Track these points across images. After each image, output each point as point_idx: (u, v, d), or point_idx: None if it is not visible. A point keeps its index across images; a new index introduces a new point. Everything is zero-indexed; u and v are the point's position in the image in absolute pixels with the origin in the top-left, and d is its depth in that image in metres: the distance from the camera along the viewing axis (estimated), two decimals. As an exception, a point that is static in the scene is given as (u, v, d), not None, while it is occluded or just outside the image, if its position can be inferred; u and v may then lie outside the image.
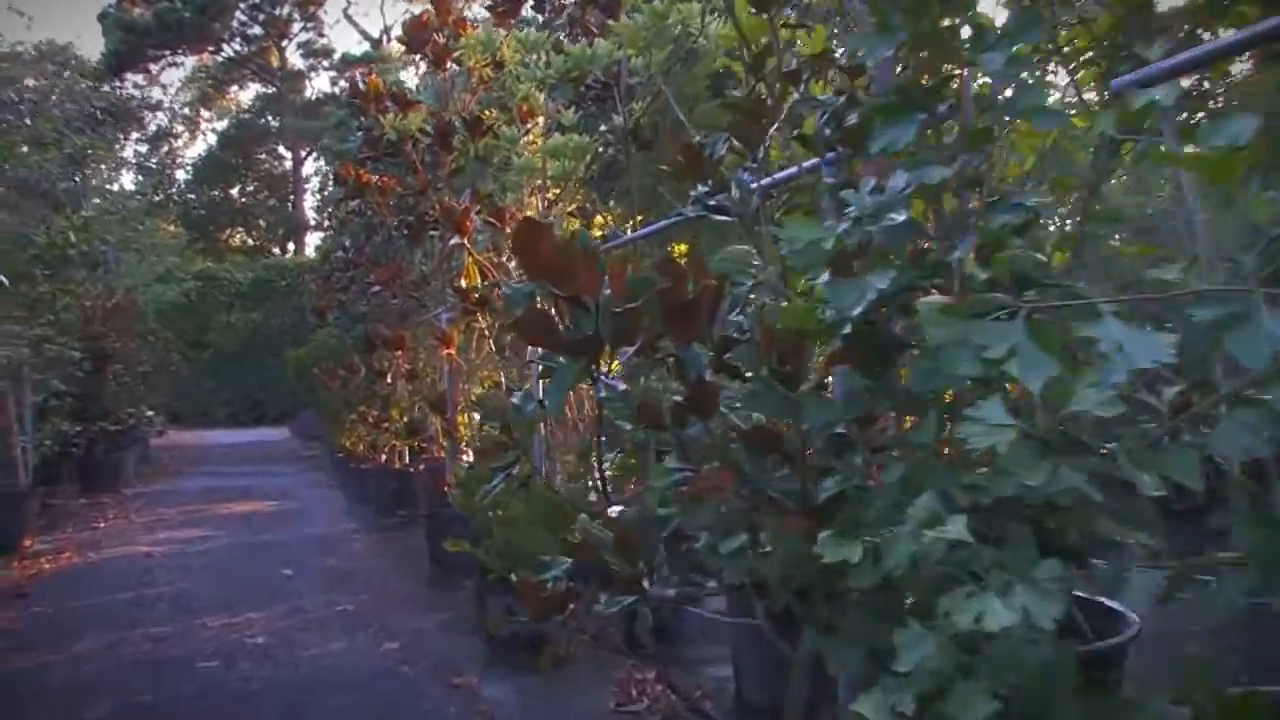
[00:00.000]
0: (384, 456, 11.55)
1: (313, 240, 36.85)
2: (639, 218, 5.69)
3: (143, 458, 16.54)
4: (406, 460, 11.13)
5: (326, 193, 38.00)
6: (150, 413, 15.46)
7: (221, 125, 41.73)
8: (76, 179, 12.45)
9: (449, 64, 7.69)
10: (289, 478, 14.96)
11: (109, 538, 9.56)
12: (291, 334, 22.64)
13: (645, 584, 2.43)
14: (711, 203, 2.95)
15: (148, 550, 8.77)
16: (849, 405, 1.76)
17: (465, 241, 6.25)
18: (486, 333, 6.90)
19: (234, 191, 41.55)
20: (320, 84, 41.78)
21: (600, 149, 5.44)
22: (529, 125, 6.13)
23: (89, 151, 12.79)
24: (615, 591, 2.44)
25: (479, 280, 6.48)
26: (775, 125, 2.72)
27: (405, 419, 9.15)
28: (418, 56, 7.89)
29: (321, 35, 40.12)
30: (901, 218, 1.63)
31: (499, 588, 5.57)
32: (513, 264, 7.13)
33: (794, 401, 1.92)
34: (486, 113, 6.62)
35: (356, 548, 8.90)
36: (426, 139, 6.98)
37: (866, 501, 1.68)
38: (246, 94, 42.19)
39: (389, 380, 9.46)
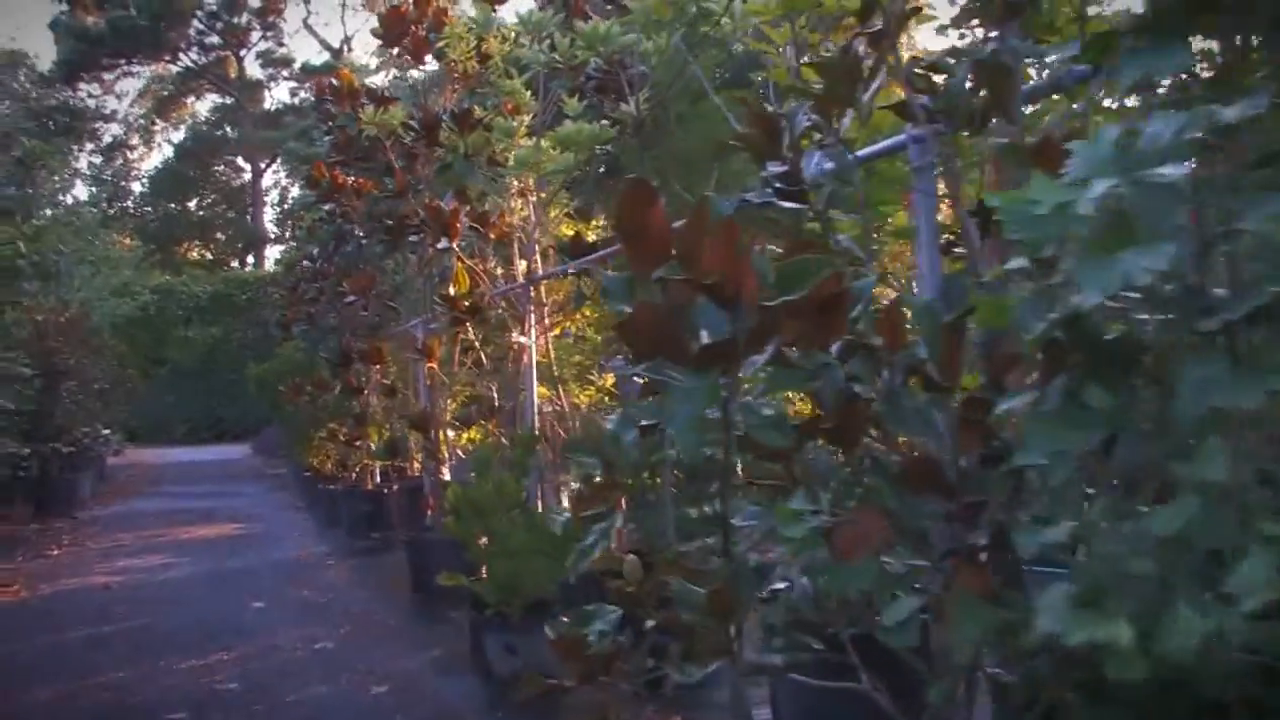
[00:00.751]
0: (354, 475, 11.01)
1: (272, 254, 36.14)
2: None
3: (99, 478, 15.83)
4: (378, 479, 10.59)
5: (287, 205, 37.33)
6: (106, 431, 14.76)
7: (178, 137, 40.87)
8: (29, 188, 11.79)
9: (427, 58, 7.21)
10: (253, 498, 14.33)
11: (63, 567, 8.93)
12: (254, 349, 21.96)
13: (736, 648, 1.95)
14: (784, 186, 2.49)
15: (105, 581, 8.16)
16: (1079, 427, 1.29)
17: (454, 245, 5.75)
18: (476, 343, 6.40)
19: (191, 204, 40.67)
20: (280, 94, 41.02)
21: (608, 140, 4.94)
22: (517, 121, 5.65)
23: (39, 158, 12.13)
24: (699, 656, 1.97)
25: (468, 287, 5.98)
26: (874, 88, 2.26)
27: (383, 437, 8.59)
28: (394, 51, 7.39)
29: (281, 45, 39.40)
30: (1176, 173, 1.17)
31: (496, 623, 5.08)
32: (500, 270, 6.64)
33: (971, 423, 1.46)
34: (475, 108, 6.13)
35: (331, 575, 8.35)
36: (410, 135, 6.48)
37: (1114, 561, 1.22)
38: (203, 105, 41.38)
39: (365, 396, 8.92)
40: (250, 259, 39.59)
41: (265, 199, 40.76)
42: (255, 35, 38.53)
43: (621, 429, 1.84)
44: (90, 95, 36.42)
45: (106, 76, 36.11)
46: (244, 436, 24.71)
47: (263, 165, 40.08)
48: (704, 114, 5.08)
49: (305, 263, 11.98)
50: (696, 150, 5.21)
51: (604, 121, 5.39)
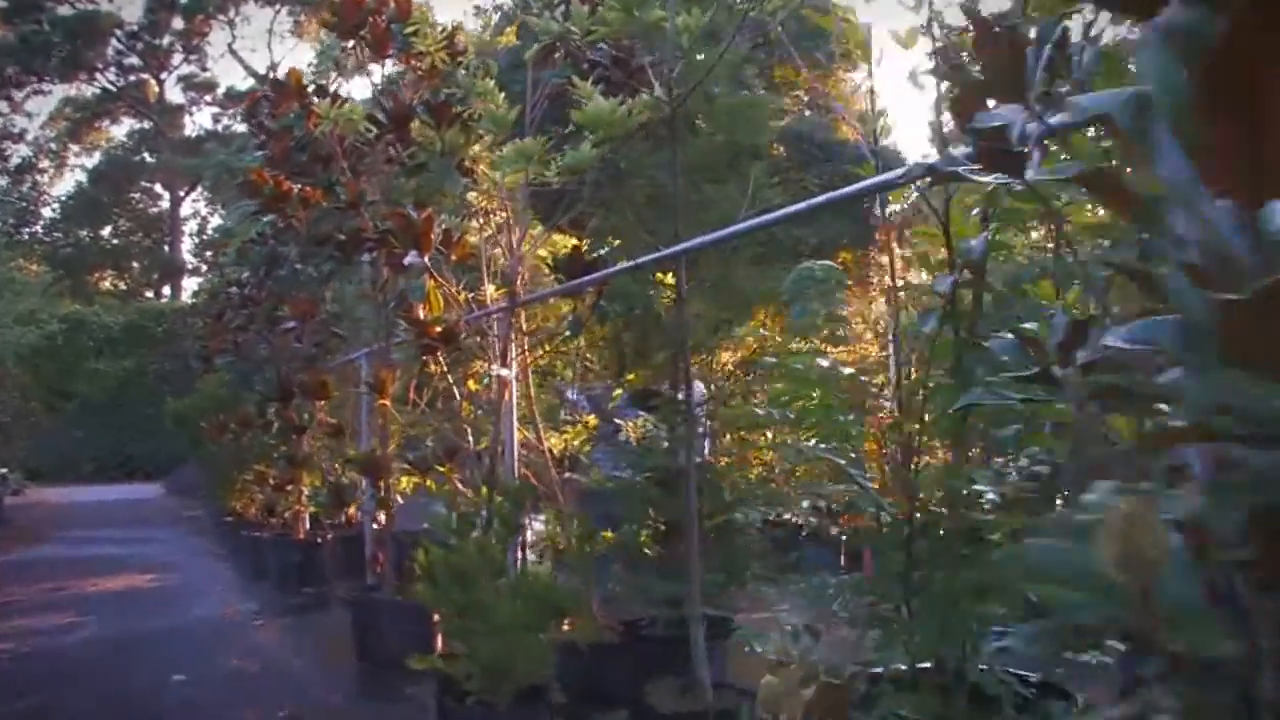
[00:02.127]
0: (282, 522, 9.99)
1: (190, 285, 34.58)
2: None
3: (-5, 520, 14.56)
4: (307, 527, 9.59)
5: (207, 234, 35.87)
6: (2, 470, 13.47)
7: (91, 161, 39.12)
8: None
9: (390, 52, 6.38)
10: (169, 544, 13.12)
11: (-54, 628, 7.79)
12: (170, 382, 20.63)
13: None
14: (993, 145, 1.70)
15: (-5, 647, 7.08)
16: None
17: (426, 260, 4.89)
18: (446, 375, 5.54)
19: (105, 231, 38.95)
20: (202, 119, 39.49)
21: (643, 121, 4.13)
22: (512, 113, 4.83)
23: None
24: None
25: (440, 309, 5.12)
26: None
27: (326, 482, 7.62)
28: (348, 44, 6.53)
29: (204, 69, 38.04)
30: None
31: (479, 713, 4.20)
32: (469, 295, 5.79)
33: None
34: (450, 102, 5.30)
35: (262, 638, 7.34)
36: (373, 132, 5.62)
37: None
38: (120, 129, 39.69)
39: (306, 435, 7.94)
40: (166, 290, 37.95)
41: (184, 228, 39.23)
42: (178, 58, 37.18)
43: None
44: (-2, 114, 34.75)
45: (15, 94, 34.39)
46: (156, 475, 23.28)
47: (182, 193, 38.57)
48: (735, 108, 4.31)
49: (233, 289, 10.96)
50: (722, 150, 4.44)
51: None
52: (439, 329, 4.92)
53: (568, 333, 5.05)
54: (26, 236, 35.10)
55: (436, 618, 6.24)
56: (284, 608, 8.39)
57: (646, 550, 4.90)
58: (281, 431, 7.95)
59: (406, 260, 4.82)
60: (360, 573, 8.52)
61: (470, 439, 6.47)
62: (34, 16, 31.50)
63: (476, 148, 5.02)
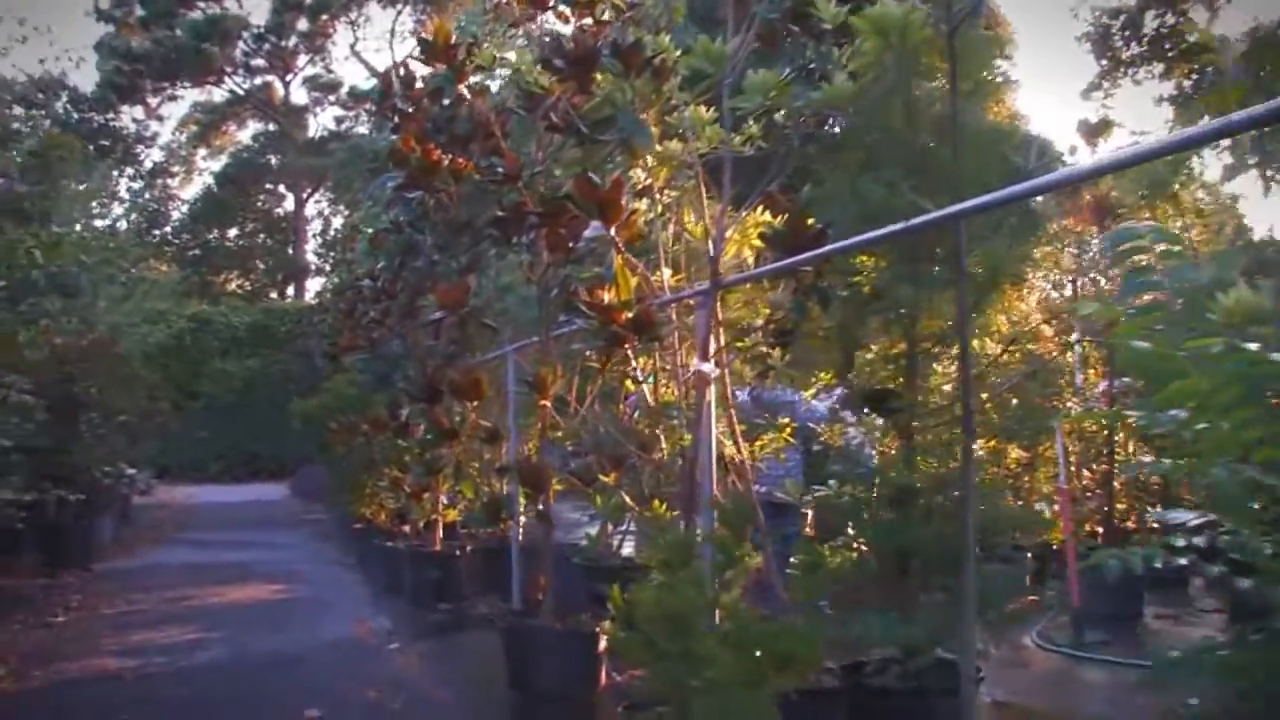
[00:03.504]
0: (416, 532, 9.29)
1: (314, 285, 34.55)
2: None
3: (123, 519, 14.19)
4: (440, 537, 8.85)
5: (331, 233, 35.91)
6: (132, 470, 13.07)
7: (218, 164, 39.50)
8: (47, 188, 10.13)
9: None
10: (293, 550, 12.59)
11: (66, 642, 7.21)
12: (296, 382, 20.25)
13: None
14: None
15: (116, 666, 6.44)
16: None
17: (612, 233, 4.03)
18: (637, 368, 4.67)
19: (231, 233, 39.34)
20: (325, 120, 39.48)
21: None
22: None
23: (56, 148, 10.44)
24: None
25: (629, 293, 4.25)
26: None
27: (478, 492, 6.81)
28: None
29: (329, 70, 38.14)
30: None
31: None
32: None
33: None
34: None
35: (401, 664, 6.59)
36: (538, 88, 4.78)
37: None
38: (245, 132, 40.04)
39: (459, 441, 7.14)
40: (290, 290, 38.12)
41: (307, 229, 39.38)
42: (302, 60, 37.34)
43: None
44: (134, 120, 35.28)
45: (150, 100, 34.90)
46: (280, 475, 23.07)
47: (305, 194, 38.75)
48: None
49: (365, 282, 10.32)
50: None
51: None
52: (628, 315, 4.05)
53: (793, 321, 4.09)
54: (156, 238, 35.54)
55: (602, 647, 5.43)
56: (421, 627, 7.66)
57: (878, 583, 3.96)
58: (431, 435, 7.16)
59: (588, 233, 3.96)
60: (500, 588, 7.78)
61: (636, 445, 5.63)
62: (168, 22, 31.87)
63: (681, 94, 4.12)
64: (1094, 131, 11.65)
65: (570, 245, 5.05)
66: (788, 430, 5.18)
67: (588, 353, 5.84)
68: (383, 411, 9.74)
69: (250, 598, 9.17)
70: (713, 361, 4.02)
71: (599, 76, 4.46)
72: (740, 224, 4.68)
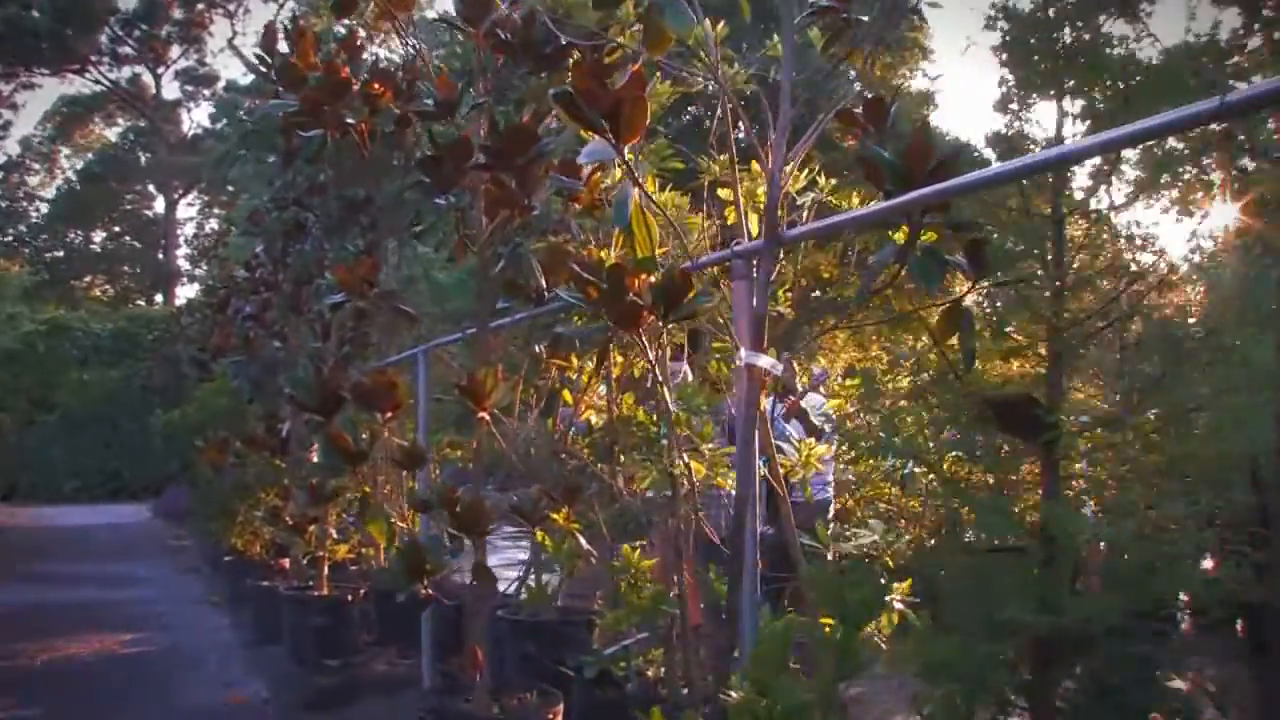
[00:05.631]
0: (294, 567, 7.80)
1: (186, 292, 32.19)
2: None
3: (-47, 550, 12.28)
4: (325, 574, 7.35)
5: (205, 232, 33.63)
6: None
7: (81, 163, 36.71)
8: None
9: None
10: (153, 586, 10.81)
11: None
12: (161, 394, 18.27)
13: None
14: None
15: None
16: None
17: (627, 153, 2.66)
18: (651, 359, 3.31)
19: (97, 235, 36.64)
20: (199, 116, 37.17)
21: None
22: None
23: None
24: None
25: (649, 247, 2.86)
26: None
27: (394, 534, 5.30)
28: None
29: (203, 64, 35.81)
30: None
31: None
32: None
33: None
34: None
35: (281, 756, 5.11)
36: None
37: None
38: (113, 130, 37.37)
39: (371, 465, 5.68)
40: (160, 297, 35.58)
41: (179, 232, 36.95)
42: (176, 51, 34.97)
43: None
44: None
45: (3, 86, 32.12)
46: (144, 496, 20.96)
47: (177, 195, 36.33)
48: None
49: (241, 272, 8.75)
50: None
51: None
52: (652, 280, 2.67)
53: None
54: (11, 237, 32.77)
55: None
56: (307, 693, 6.16)
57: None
58: (328, 458, 5.67)
59: (587, 151, 2.61)
60: (402, 640, 6.47)
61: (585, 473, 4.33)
62: (24, 1, 29.27)
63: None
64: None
65: (526, 202, 3.70)
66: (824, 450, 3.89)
67: (537, 348, 4.50)
68: (259, 426, 8.21)
69: (93, 652, 7.49)
70: (769, 353, 2.70)
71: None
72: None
